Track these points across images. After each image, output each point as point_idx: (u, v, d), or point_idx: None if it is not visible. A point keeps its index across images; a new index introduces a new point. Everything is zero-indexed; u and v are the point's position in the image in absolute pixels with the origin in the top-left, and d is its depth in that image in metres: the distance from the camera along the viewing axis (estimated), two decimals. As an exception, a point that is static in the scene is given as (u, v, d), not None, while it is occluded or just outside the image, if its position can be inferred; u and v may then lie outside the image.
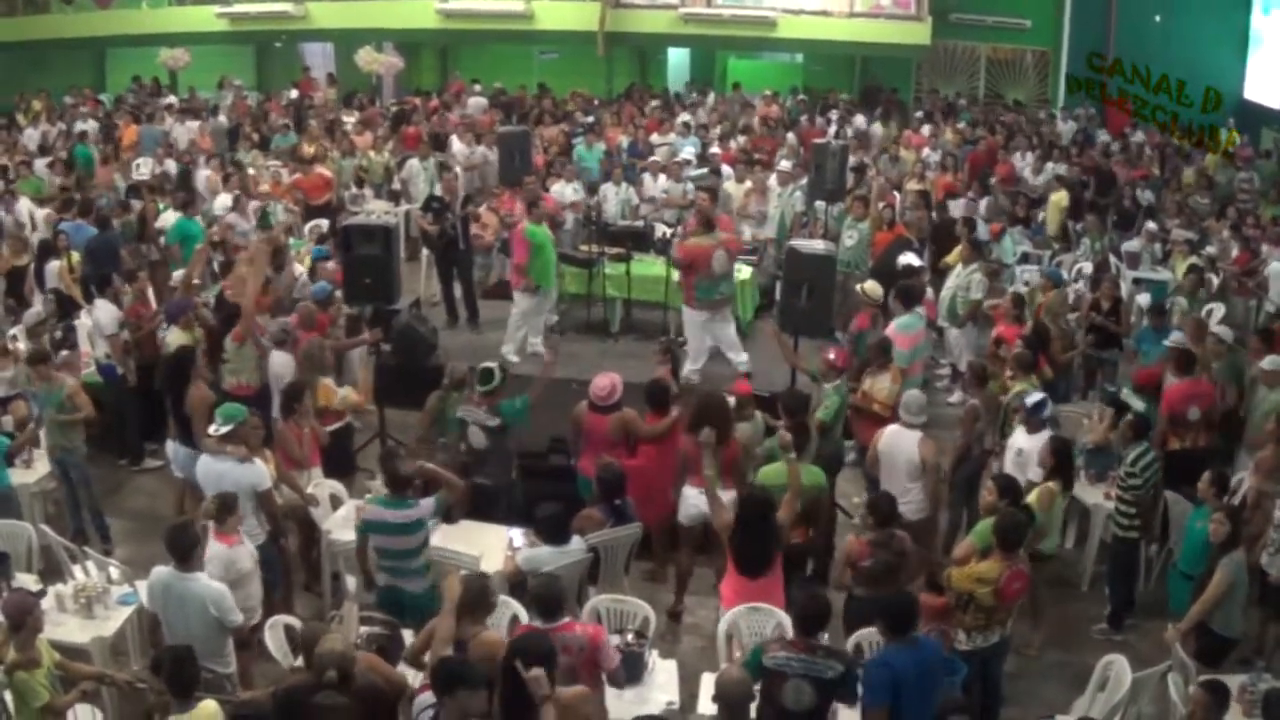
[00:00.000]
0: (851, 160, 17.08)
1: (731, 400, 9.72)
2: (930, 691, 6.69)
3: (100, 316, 11.77)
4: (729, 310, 13.12)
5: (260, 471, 8.58)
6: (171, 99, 24.59)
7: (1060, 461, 9.02)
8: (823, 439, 9.86)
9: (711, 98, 26.38)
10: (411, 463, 8.48)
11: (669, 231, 15.31)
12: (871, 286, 12.01)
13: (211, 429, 8.71)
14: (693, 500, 9.32)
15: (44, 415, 10.32)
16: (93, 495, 10.51)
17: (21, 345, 11.79)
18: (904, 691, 6.55)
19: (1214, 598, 7.99)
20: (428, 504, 8.13)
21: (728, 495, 9.06)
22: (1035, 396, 9.79)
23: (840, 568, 8.06)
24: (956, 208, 16.90)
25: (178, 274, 12.86)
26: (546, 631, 6.57)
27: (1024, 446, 9.50)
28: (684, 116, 23.02)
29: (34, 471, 10.39)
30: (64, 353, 11.50)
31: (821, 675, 6.55)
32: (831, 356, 10.34)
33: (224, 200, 16.07)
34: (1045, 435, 9.48)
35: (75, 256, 13.91)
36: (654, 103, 25.20)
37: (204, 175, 18.17)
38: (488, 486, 9.63)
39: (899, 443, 9.39)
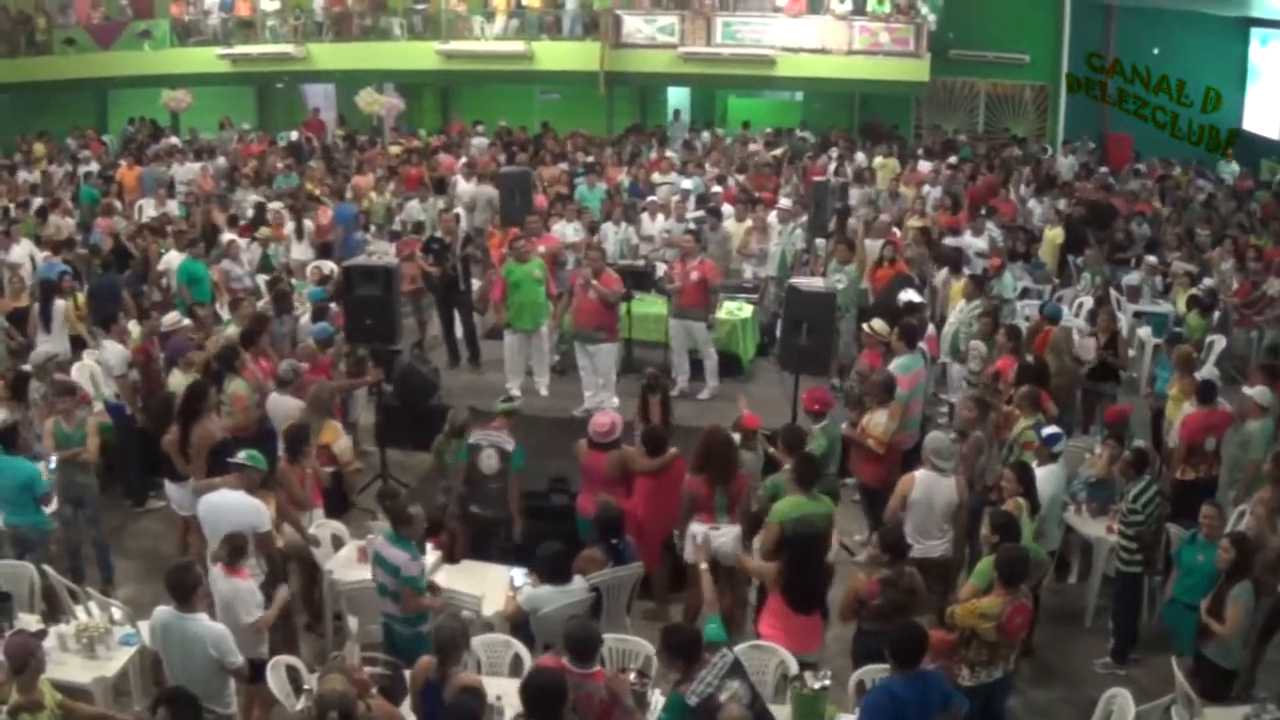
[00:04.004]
0: (852, 198, 17.07)
1: (736, 435, 9.71)
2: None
3: (108, 357, 11.81)
4: None
5: (260, 511, 8.55)
6: (174, 140, 24.67)
7: (1025, 485, 8.98)
8: None
9: (707, 135, 26.48)
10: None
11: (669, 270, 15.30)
12: (879, 324, 11.94)
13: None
14: (700, 537, 9.19)
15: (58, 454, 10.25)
16: (101, 532, 10.47)
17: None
18: (906, 720, 6.57)
19: (1235, 627, 7.99)
20: (421, 563, 8.13)
21: (733, 529, 9.05)
22: (1051, 430, 9.78)
23: (848, 604, 8.00)
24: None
25: (170, 317, 12.76)
26: (574, 675, 6.55)
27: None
28: (670, 153, 23.08)
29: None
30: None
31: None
32: (814, 399, 10.29)
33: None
34: (1053, 468, 9.51)
35: (81, 297, 13.95)
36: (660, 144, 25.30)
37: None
38: (485, 518, 9.63)
39: (937, 489, 9.14)
